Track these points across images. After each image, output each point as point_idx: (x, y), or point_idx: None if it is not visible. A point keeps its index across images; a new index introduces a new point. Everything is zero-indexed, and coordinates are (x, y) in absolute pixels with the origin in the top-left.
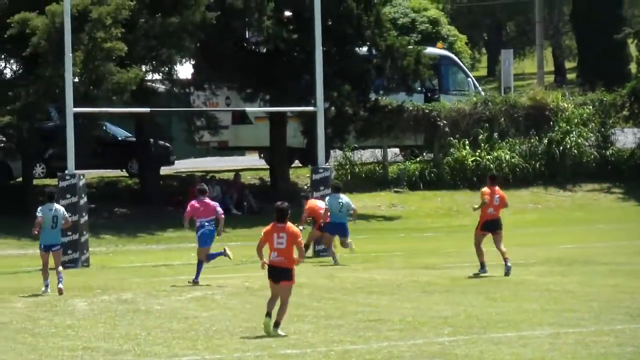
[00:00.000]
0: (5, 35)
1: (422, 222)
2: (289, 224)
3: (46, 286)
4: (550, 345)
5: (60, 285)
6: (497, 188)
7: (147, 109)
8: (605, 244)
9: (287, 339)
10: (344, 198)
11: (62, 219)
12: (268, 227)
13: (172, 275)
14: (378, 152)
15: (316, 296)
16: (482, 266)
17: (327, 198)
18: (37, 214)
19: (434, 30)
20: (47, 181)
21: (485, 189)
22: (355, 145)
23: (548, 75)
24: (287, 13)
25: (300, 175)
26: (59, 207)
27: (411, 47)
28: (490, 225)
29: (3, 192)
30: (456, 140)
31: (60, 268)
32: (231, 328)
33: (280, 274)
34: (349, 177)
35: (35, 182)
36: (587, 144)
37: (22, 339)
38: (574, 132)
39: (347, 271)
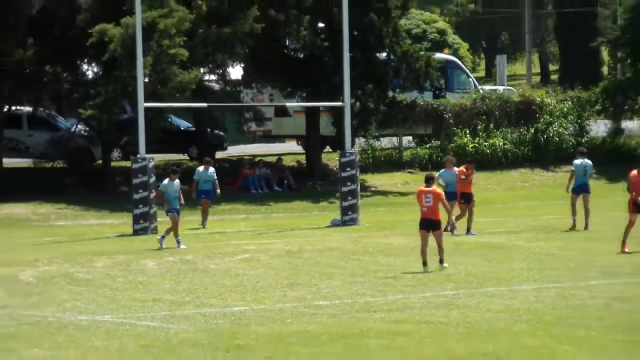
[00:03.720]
0: (88, 43)
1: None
2: (434, 186)
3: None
4: (534, 297)
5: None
6: (433, 188)
7: (205, 104)
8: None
9: (317, 289)
10: None
11: (179, 191)
12: (419, 189)
13: (225, 240)
14: (395, 140)
15: (344, 258)
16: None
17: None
18: (159, 188)
19: (441, 39)
20: (123, 163)
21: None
22: (376, 134)
23: (535, 76)
24: (320, 24)
25: (330, 158)
26: (178, 182)
27: (422, 52)
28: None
29: (86, 172)
30: (459, 130)
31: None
32: (274, 284)
33: (429, 225)
34: (371, 161)
35: (112, 164)
36: (566, 133)
37: (102, 293)
38: (556, 123)
39: (369, 237)
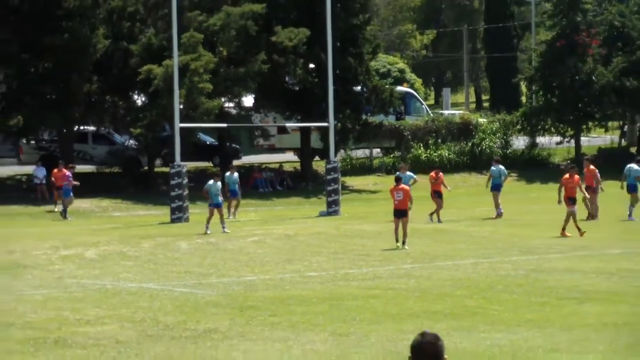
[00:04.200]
0: (138, 79)
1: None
2: (402, 185)
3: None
4: (472, 270)
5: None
6: (402, 185)
7: (225, 125)
8: (505, 207)
9: (309, 264)
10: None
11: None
12: (391, 187)
13: (239, 227)
14: (367, 151)
15: (329, 240)
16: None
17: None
18: (205, 187)
19: (401, 76)
20: (163, 169)
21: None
22: (353, 147)
23: (472, 104)
24: (311, 65)
25: (319, 165)
26: (218, 183)
27: (387, 86)
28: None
29: (136, 176)
30: (415, 144)
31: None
32: (276, 259)
33: (400, 214)
34: (349, 167)
35: (155, 170)
36: (495, 146)
37: (147, 266)
38: (487, 139)
39: (348, 225)
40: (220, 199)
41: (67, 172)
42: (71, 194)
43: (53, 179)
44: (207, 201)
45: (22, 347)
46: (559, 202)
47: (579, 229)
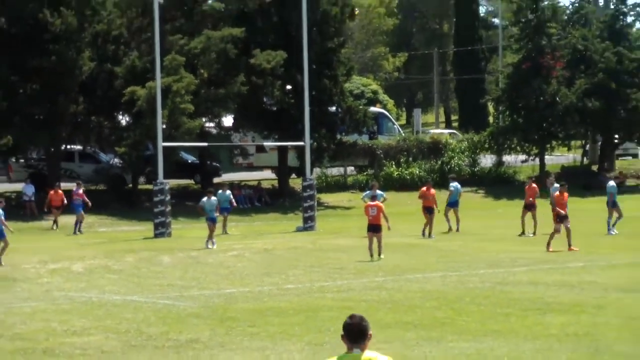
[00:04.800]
0: (122, 100)
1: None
2: (376, 202)
3: (212, 243)
4: (441, 282)
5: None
6: (376, 202)
7: (206, 144)
8: (473, 222)
9: (286, 277)
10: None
11: (216, 206)
12: (365, 204)
13: (220, 241)
14: (341, 169)
15: (305, 254)
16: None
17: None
18: (199, 204)
19: (374, 97)
20: (146, 186)
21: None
22: (328, 165)
23: (441, 124)
24: (288, 87)
25: (295, 183)
26: (213, 199)
27: (361, 107)
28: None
29: (120, 193)
30: (387, 162)
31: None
32: (255, 273)
33: (375, 229)
34: (324, 184)
35: (139, 187)
36: (463, 164)
37: (131, 280)
38: (456, 157)
39: (323, 239)
40: (216, 214)
41: (80, 190)
42: (82, 209)
43: (49, 199)
44: (199, 217)
45: (12, 357)
46: (560, 216)
47: (548, 245)
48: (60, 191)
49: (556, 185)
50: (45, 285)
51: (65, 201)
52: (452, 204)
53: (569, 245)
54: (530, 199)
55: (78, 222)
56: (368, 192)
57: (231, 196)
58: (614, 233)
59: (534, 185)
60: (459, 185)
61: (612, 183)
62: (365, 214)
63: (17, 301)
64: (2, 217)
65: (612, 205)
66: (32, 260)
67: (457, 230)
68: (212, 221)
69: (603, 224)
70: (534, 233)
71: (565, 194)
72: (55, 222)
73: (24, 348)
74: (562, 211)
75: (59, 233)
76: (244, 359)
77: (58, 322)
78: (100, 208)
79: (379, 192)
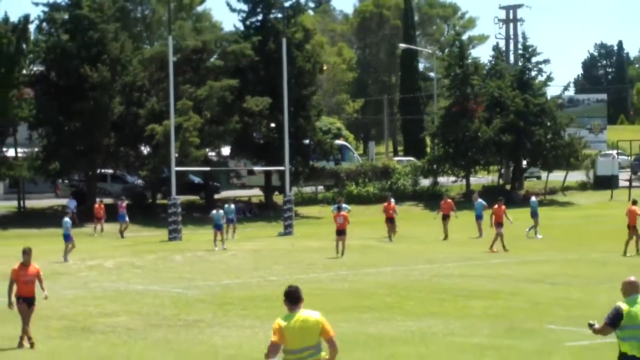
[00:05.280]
0: (144, 135)
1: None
2: (342, 212)
3: (222, 244)
4: (391, 275)
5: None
6: (343, 212)
7: (208, 168)
8: (415, 229)
9: (270, 271)
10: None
11: (222, 216)
12: (334, 214)
13: (219, 245)
14: (313, 188)
15: (285, 253)
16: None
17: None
18: (210, 215)
19: (338, 132)
20: (163, 201)
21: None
22: (303, 185)
23: (391, 153)
24: (272, 125)
25: (278, 198)
26: (221, 211)
27: (328, 140)
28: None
29: (143, 206)
30: (349, 182)
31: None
32: (246, 268)
33: (341, 232)
34: (300, 199)
35: (157, 202)
36: (407, 184)
37: (151, 273)
38: (402, 179)
39: (299, 242)
40: (222, 221)
41: (123, 203)
42: (126, 218)
43: (95, 211)
44: (205, 224)
45: (58, 334)
46: (491, 225)
47: (504, 247)
48: (102, 205)
49: (480, 200)
50: (83, 278)
51: (105, 214)
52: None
53: (491, 246)
54: (446, 211)
55: (122, 229)
56: (336, 205)
57: (234, 209)
58: (539, 237)
59: (449, 200)
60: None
61: (534, 199)
62: (334, 221)
63: (62, 290)
64: (69, 225)
65: (534, 215)
66: (74, 258)
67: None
68: (217, 228)
69: (516, 230)
70: (446, 237)
71: (503, 207)
72: (96, 228)
73: (67, 326)
74: (499, 220)
75: (100, 238)
76: (238, 334)
77: (94, 306)
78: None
79: (344, 205)
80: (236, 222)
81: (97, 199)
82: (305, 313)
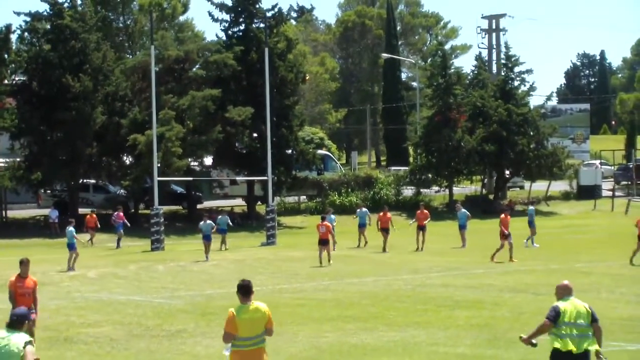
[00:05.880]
0: (127, 145)
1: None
2: (326, 222)
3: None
4: (373, 285)
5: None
6: (326, 222)
7: (191, 178)
8: (398, 239)
9: (253, 281)
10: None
11: (212, 228)
12: (317, 223)
13: (201, 254)
14: (296, 198)
15: (268, 263)
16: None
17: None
18: (199, 225)
19: (321, 142)
20: (145, 211)
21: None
22: (285, 194)
23: (373, 163)
24: (255, 134)
25: (261, 208)
26: (210, 222)
27: (311, 150)
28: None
29: (126, 216)
30: (331, 192)
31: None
32: (229, 278)
33: (324, 242)
34: (283, 209)
35: (140, 211)
36: (390, 194)
37: (133, 283)
38: (385, 189)
39: (282, 252)
40: (212, 232)
41: (120, 213)
42: (121, 228)
43: (86, 221)
44: (187, 234)
45: (41, 344)
46: (504, 234)
47: (511, 257)
48: (94, 215)
49: (463, 210)
50: (66, 288)
51: (99, 224)
52: (361, 226)
53: (510, 257)
54: (421, 222)
55: (119, 239)
56: (327, 216)
57: (229, 220)
58: (536, 246)
59: (425, 210)
60: (366, 210)
61: (531, 207)
62: (317, 230)
63: (45, 300)
64: (74, 233)
65: (531, 224)
66: (57, 268)
67: (364, 245)
68: (206, 239)
69: (497, 239)
70: (422, 249)
71: (509, 217)
72: (90, 239)
73: (50, 337)
74: (506, 230)
75: (91, 248)
76: (221, 345)
77: (76, 317)
78: (110, 228)
79: (332, 216)
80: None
81: (89, 209)
82: (255, 304)
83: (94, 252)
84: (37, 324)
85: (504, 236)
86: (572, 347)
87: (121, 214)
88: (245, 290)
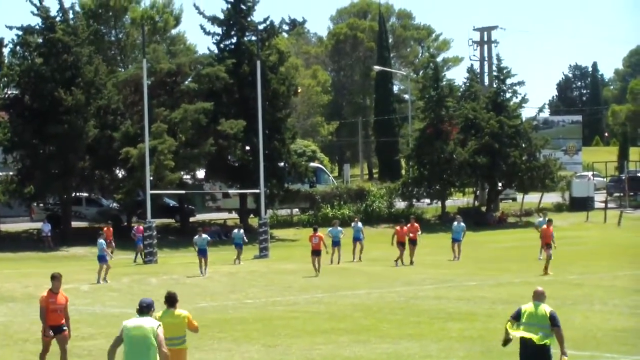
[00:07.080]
0: (119, 158)
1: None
2: (319, 233)
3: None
4: (366, 297)
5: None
6: (318, 234)
7: (183, 191)
8: (391, 252)
9: (246, 294)
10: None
11: (206, 243)
12: (310, 234)
13: (195, 267)
14: (288, 210)
15: (261, 276)
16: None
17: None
18: (194, 239)
19: (313, 155)
20: (139, 223)
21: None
22: (278, 207)
23: (365, 175)
24: (247, 147)
25: (253, 221)
26: (205, 236)
27: (303, 163)
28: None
29: (119, 229)
30: (323, 205)
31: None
32: (222, 291)
33: (317, 253)
34: (275, 222)
35: (132, 224)
36: (383, 206)
37: (127, 296)
38: (377, 200)
39: (275, 264)
40: (205, 246)
41: (140, 227)
42: (141, 243)
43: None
44: (179, 247)
45: (34, 358)
46: (547, 247)
47: (546, 268)
48: (111, 228)
49: (462, 224)
50: None
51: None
52: (355, 240)
53: (546, 269)
54: (411, 234)
55: (138, 252)
56: (332, 228)
57: (243, 235)
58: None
59: (415, 224)
60: (359, 225)
61: (540, 219)
62: (310, 241)
63: (37, 313)
64: (104, 246)
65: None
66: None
67: (338, 262)
68: (201, 254)
69: (490, 251)
70: (412, 262)
71: (551, 228)
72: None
73: None
74: (549, 241)
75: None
76: (214, 357)
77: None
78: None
79: (339, 228)
80: (211, 244)
81: (109, 222)
82: (178, 311)
83: (86, 266)
84: (29, 336)
85: (547, 247)
86: (527, 336)
87: (141, 227)
88: (171, 299)
